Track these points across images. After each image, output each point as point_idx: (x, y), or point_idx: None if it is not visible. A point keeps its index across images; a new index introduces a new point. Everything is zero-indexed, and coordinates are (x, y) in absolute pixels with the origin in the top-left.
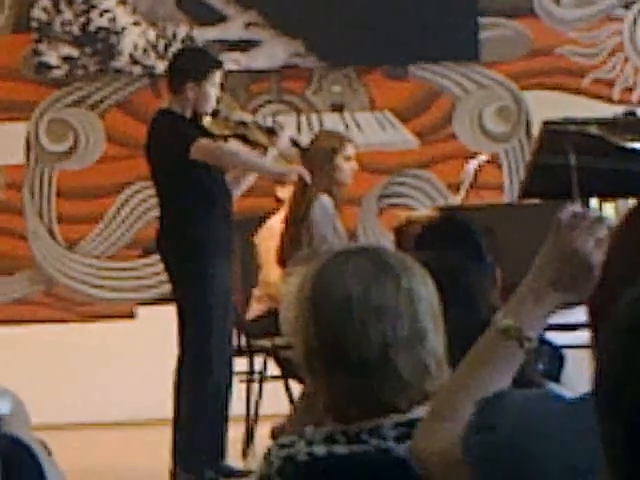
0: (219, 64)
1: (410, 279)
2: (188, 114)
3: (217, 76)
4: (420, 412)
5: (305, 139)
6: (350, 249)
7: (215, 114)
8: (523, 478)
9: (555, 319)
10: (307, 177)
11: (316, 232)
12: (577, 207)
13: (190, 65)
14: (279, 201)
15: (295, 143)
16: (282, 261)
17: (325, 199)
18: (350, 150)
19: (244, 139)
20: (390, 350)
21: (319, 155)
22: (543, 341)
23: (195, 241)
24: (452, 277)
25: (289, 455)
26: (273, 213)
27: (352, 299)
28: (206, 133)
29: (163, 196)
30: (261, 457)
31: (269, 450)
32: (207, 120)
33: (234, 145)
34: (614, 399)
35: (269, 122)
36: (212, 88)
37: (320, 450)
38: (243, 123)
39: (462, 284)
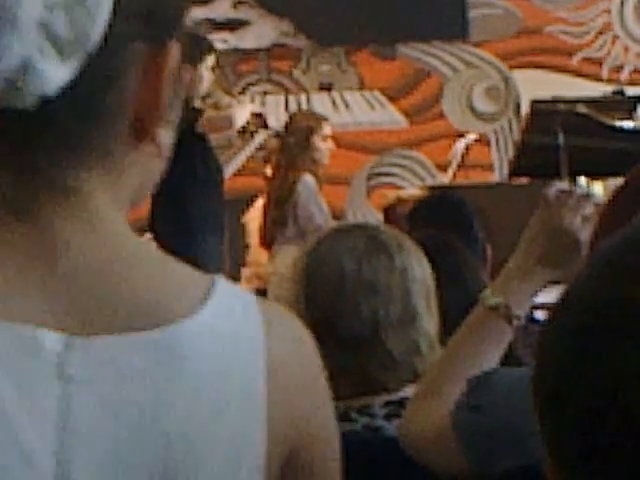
0: (213, 48)
1: (404, 259)
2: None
3: (211, 60)
4: (410, 391)
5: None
6: (345, 227)
7: (205, 98)
8: (511, 456)
9: (544, 298)
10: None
11: (302, 212)
12: (564, 184)
13: (187, 47)
14: (268, 181)
15: (277, 135)
16: (265, 242)
17: (308, 178)
18: (327, 130)
19: None
20: (381, 328)
21: (298, 135)
22: (532, 320)
23: (188, 219)
24: (443, 255)
25: None
26: (262, 193)
27: (345, 275)
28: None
29: None
30: None
31: None
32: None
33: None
34: (555, 404)
35: (256, 108)
36: (206, 71)
37: None
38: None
39: (453, 262)
